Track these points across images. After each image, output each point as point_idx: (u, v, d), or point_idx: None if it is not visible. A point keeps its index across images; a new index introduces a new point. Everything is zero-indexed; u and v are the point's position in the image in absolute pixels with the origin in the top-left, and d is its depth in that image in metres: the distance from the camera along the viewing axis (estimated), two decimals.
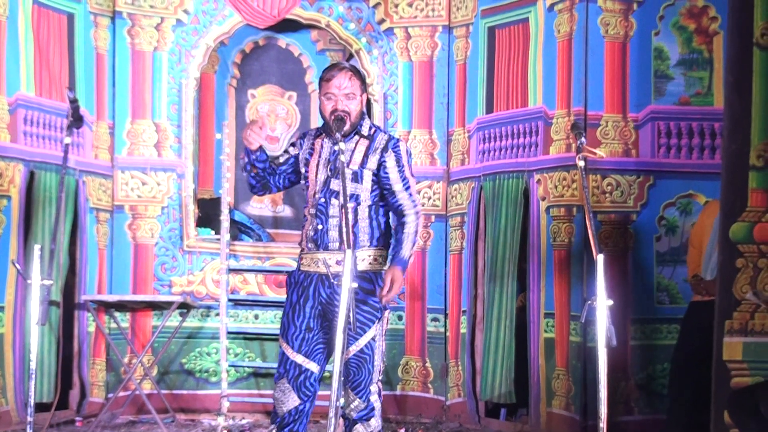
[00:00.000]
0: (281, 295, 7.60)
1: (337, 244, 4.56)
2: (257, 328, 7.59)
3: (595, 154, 4.85)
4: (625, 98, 6.57)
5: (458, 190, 7.44)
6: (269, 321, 7.61)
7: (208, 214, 7.81)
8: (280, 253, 7.68)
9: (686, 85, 6.58)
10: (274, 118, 8.26)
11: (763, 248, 5.14)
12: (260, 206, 8.26)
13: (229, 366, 7.27)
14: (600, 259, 4.18)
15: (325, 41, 8.24)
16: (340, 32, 7.76)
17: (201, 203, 7.84)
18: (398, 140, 4.70)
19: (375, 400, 4.67)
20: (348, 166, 4.57)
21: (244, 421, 7.26)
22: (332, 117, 4.55)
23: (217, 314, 7.36)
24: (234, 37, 7.86)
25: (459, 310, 7.35)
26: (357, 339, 4.54)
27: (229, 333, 7.28)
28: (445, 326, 7.47)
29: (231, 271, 7.41)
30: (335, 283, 4.54)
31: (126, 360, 7.30)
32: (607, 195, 6.52)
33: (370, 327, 4.58)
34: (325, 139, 4.67)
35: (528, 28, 6.97)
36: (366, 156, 4.62)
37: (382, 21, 7.72)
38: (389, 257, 4.67)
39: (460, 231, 7.38)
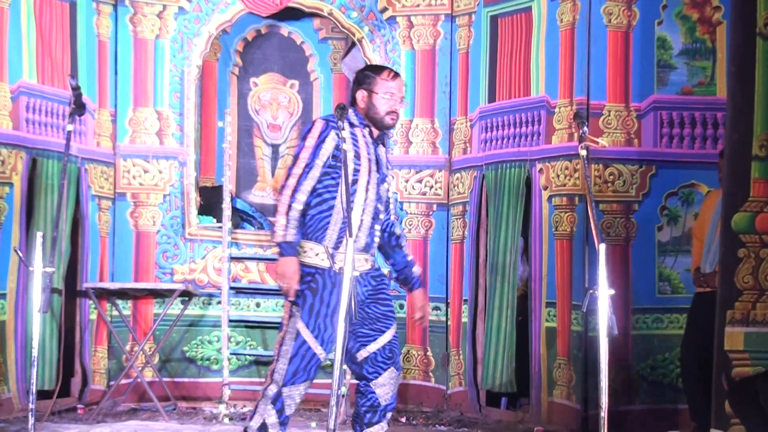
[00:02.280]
0: None
1: (375, 246, 4.69)
2: (259, 317, 7.60)
3: (597, 143, 4.85)
4: (628, 88, 6.56)
5: (460, 179, 7.44)
6: (271, 309, 7.62)
7: (209, 202, 7.81)
8: None
9: (689, 74, 6.57)
10: (276, 106, 8.25)
11: (765, 238, 5.14)
12: (262, 194, 8.26)
13: (231, 354, 7.28)
14: (602, 248, 4.18)
15: (327, 30, 8.23)
16: (343, 21, 7.74)
17: (203, 191, 7.84)
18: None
19: None
20: (384, 168, 4.67)
21: (245, 409, 7.27)
22: (387, 115, 4.59)
23: (219, 302, 7.37)
24: (236, 25, 7.85)
25: (460, 299, 7.35)
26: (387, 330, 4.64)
27: (230, 321, 7.29)
28: (447, 315, 7.47)
29: (232, 259, 7.41)
30: (339, 274, 4.55)
31: (128, 348, 7.31)
32: (609, 184, 6.51)
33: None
34: (367, 134, 4.63)
35: (531, 17, 6.96)
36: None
37: (384, 9, 7.70)
38: (403, 274, 4.79)
39: (462, 220, 7.38)
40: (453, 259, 7.47)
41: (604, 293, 4.15)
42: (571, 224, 6.60)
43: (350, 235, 4.16)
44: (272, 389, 4.53)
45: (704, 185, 6.49)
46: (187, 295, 7.32)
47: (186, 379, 7.51)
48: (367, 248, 4.60)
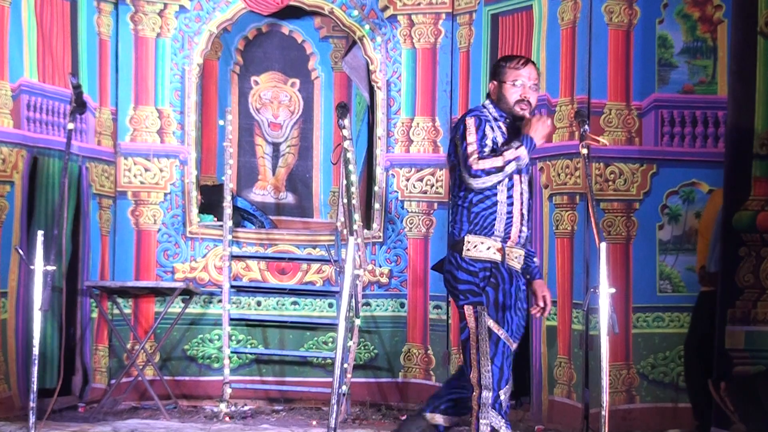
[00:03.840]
0: (283, 282, 7.62)
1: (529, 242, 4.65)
2: (259, 315, 7.59)
3: (598, 142, 4.83)
4: (629, 86, 6.55)
5: None
6: (271, 308, 7.62)
7: (210, 200, 7.81)
8: (282, 240, 7.68)
9: (690, 73, 6.56)
10: (277, 104, 8.25)
11: (766, 237, 5.15)
12: (263, 193, 8.26)
13: (232, 352, 7.28)
14: (603, 247, 4.18)
15: (328, 28, 8.23)
16: (344, 19, 7.74)
17: (204, 190, 7.84)
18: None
19: None
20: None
21: (246, 408, 7.28)
22: (517, 106, 4.52)
23: (220, 301, 7.37)
24: (237, 23, 7.85)
25: None
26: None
27: (231, 319, 7.28)
28: (448, 313, 7.47)
29: (233, 257, 7.41)
30: (336, 269, 4.55)
31: (128, 346, 7.32)
32: (610, 183, 6.51)
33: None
34: (503, 127, 4.57)
35: (531, 16, 6.95)
36: None
37: (385, 8, 7.70)
38: (525, 264, 4.66)
39: None
40: None
41: (604, 292, 4.15)
42: (571, 223, 6.60)
43: (350, 234, 4.16)
44: (488, 395, 4.46)
45: (705, 184, 6.48)
46: (188, 294, 7.32)
47: (187, 378, 7.51)
48: (527, 241, 4.60)
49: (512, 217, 4.52)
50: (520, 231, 4.54)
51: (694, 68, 6.56)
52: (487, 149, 4.46)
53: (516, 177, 4.54)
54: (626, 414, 6.42)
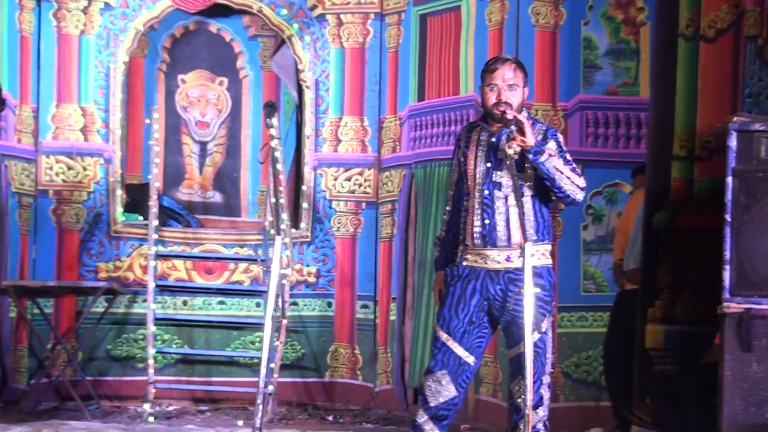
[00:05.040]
0: (210, 282, 7.56)
1: (505, 240, 4.45)
2: (185, 315, 7.53)
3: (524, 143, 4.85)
4: (555, 87, 6.61)
5: (389, 177, 7.44)
6: (197, 307, 7.55)
7: (136, 199, 7.72)
8: (209, 239, 7.62)
9: (614, 75, 6.63)
10: (205, 103, 8.18)
11: (684, 237, 5.21)
12: (190, 192, 8.19)
13: (157, 352, 7.19)
14: (527, 247, 4.20)
15: (257, 27, 8.17)
16: (272, 18, 7.70)
17: (129, 188, 7.74)
18: (555, 129, 4.63)
19: (544, 391, 4.52)
20: (501, 153, 4.46)
21: (170, 408, 7.21)
22: (494, 108, 4.43)
23: (145, 300, 7.28)
24: (164, 21, 7.77)
25: (389, 297, 7.35)
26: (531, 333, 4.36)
27: (156, 319, 7.20)
28: (375, 313, 7.47)
29: (159, 257, 7.32)
30: (263, 269, 4.51)
31: (49, 346, 7.20)
32: None
33: (542, 321, 4.45)
34: (483, 131, 4.53)
35: (459, 17, 6.99)
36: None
37: (314, 7, 7.68)
38: None
39: (391, 218, 7.39)
40: (381, 258, 7.47)
41: (529, 292, 4.16)
42: None
43: (278, 233, 4.12)
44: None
45: (628, 184, 6.55)
46: (111, 293, 7.22)
47: (110, 378, 7.42)
48: (489, 241, 4.46)
49: (466, 221, 4.52)
50: (473, 231, 4.48)
51: (618, 70, 6.63)
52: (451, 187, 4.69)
53: (469, 180, 4.52)
54: (550, 413, 6.45)
